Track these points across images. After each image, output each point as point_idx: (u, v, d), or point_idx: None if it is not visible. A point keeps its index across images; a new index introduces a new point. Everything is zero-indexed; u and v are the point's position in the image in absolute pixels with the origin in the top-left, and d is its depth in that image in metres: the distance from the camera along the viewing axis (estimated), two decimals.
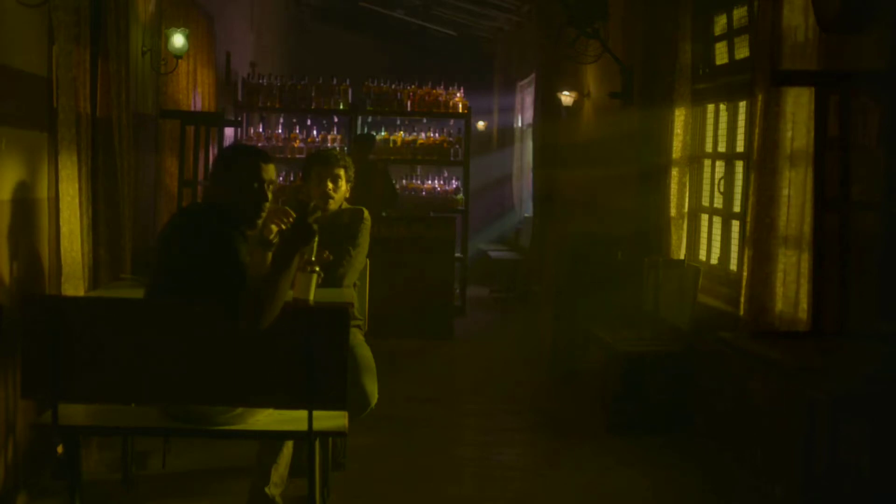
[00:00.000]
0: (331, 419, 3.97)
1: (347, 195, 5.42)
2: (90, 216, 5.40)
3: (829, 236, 4.21)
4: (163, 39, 7.21)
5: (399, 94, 11.35)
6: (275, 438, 4.39)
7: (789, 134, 4.73)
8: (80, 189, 5.21)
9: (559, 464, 5.75)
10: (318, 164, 5.33)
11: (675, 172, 6.56)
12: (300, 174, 5.60)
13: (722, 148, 6.40)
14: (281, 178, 11.38)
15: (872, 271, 4.18)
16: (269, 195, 4.17)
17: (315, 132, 11.59)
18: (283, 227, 4.72)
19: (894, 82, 4.08)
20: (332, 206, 5.31)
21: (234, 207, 4.08)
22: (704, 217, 6.73)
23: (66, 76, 5.05)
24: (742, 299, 5.06)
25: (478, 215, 13.84)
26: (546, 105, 11.02)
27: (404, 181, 11.83)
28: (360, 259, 5.35)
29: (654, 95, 7.02)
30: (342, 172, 5.32)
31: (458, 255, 10.75)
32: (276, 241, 4.70)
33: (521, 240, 13.41)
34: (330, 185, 5.28)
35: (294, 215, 4.70)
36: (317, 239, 4.59)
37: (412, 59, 16.56)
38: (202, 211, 4.19)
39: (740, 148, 6.07)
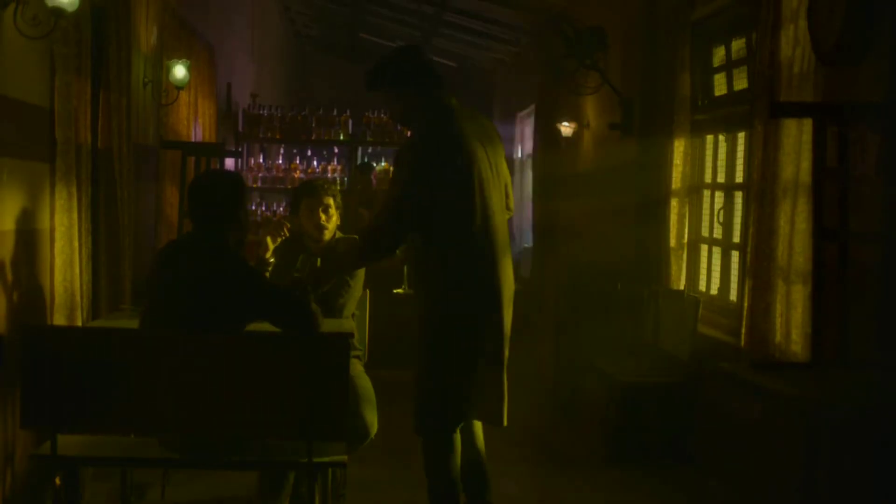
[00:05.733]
0: (331, 450, 3.96)
1: (339, 223, 5.37)
2: (89, 246, 5.41)
3: (828, 266, 4.21)
4: (164, 70, 7.24)
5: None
6: (274, 469, 4.38)
7: (789, 165, 4.74)
8: (79, 219, 5.22)
9: (559, 494, 5.73)
10: (308, 195, 5.25)
11: (674, 203, 6.58)
12: (287, 206, 5.57)
13: (721, 178, 6.42)
14: (281, 209, 11.42)
15: (871, 301, 4.18)
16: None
17: (315, 162, 11.63)
18: (279, 239, 4.76)
19: (892, 113, 4.10)
20: (326, 236, 5.26)
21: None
22: (704, 248, 6.74)
23: (65, 107, 5.08)
24: (742, 330, 5.05)
25: None
26: (545, 136, 11.05)
27: None
28: (358, 288, 5.33)
29: (653, 126, 7.05)
30: (332, 201, 5.25)
31: None
32: (272, 259, 4.73)
33: (521, 270, 13.41)
34: (322, 217, 5.21)
35: (289, 225, 4.78)
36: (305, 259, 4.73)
37: None
38: (196, 241, 4.17)
39: (740, 179, 6.08)
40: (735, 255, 6.09)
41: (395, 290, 5.23)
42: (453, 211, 4.42)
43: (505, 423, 4.61)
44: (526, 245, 13.38)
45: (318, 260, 4.76)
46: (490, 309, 4.55)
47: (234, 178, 4.25)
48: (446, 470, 4.53)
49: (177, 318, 3.95)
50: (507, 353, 4.64)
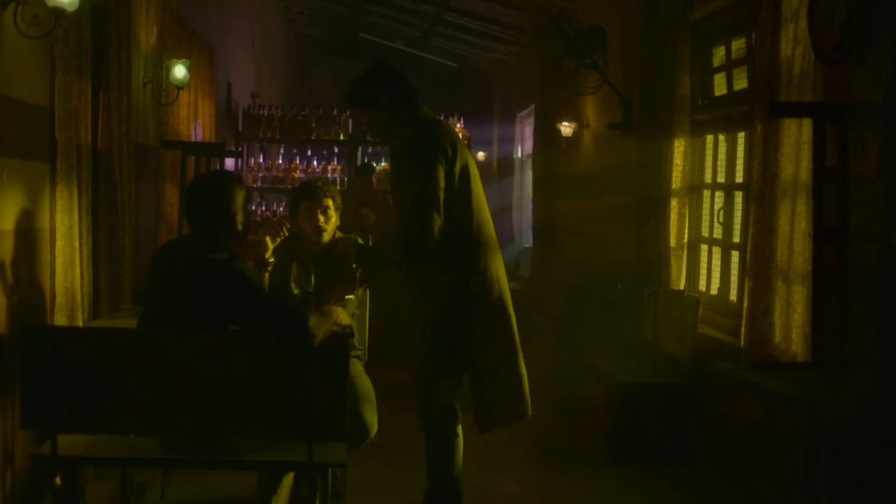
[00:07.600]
0: (330, 450, 3.96)
1: (339, 223, 5.35)
2: (90, 246, 5.41)
3: (828, 267, 4.22)
4: (164, 70, 7.24)
5: None
6: (274, 469, 4.38)
7: (788, 165, 4.74)
8: (79, 219, 5.22)
9: (560, 494, 5.72)
10: (306, 198, 5.21)
11: (674, 203, 6.58)
12: (287, 206, 5.53)
13: (721, 178, 6.42)
14: (281, 209, 11.42)
15: (871, 301, 4.18)
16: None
17: (315, 162, 11.62)
18: (279, 239, 4.75)
19: (891, 113, 4.10)
20: (325, 237, 5.24)
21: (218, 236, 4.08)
22: (704, 247, 6.74)
23: (64, 108, 5.08)
24: (742, 330, 5.05)
25: None
26: (545, 136, 11.05)
27: None
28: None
29: (653, 126, 7.04)
30: (331, 203, 5.21)
31: None
32: (271, 259, 4.72)
33: (521, 270, 13.41)
34: (321, 219, 5.17)
35: (288, 225, 4.78)
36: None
37: None
38: (193, 243, 4.15)
39: (739, 178, 6.09)
40: (735, 255, 6.09)
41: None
42: (453, 208, 4.50)
43: (529, 413, 4.78)
44: (526, 245, 13.38)
45: (312, 265, 4.75)
46: (495, 301, 4.64)
47: (232, 179, 4.21)
48: (450, 466, 4.58)
49: (172, 319, 3.95)
50: (518, 339, 4.72)
